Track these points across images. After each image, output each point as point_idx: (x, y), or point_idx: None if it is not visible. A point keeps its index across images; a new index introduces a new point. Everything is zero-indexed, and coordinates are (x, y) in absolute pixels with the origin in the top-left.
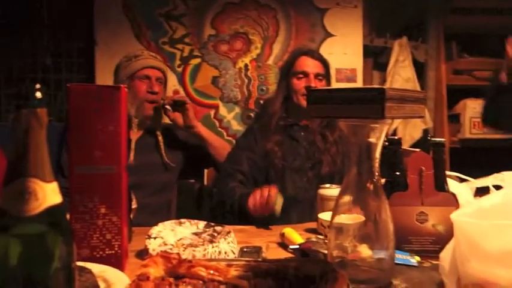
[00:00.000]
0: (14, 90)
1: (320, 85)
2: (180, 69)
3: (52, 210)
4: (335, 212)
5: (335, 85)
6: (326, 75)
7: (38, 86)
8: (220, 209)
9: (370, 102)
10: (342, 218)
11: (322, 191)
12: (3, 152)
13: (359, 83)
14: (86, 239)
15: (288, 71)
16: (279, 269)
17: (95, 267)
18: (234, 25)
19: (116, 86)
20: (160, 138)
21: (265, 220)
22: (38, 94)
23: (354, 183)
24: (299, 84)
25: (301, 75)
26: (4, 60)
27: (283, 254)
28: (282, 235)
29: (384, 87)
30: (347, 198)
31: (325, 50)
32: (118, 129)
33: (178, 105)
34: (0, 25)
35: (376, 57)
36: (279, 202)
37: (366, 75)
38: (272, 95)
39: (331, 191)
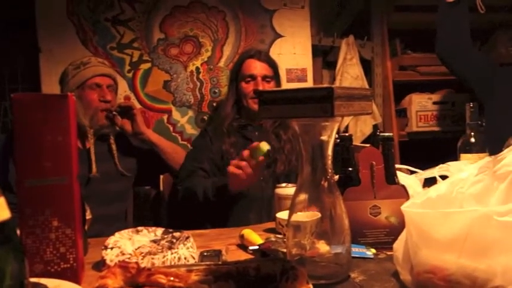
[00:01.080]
0: None
1: (268, 87)
2: (130, 75)
3: (1, 226)
4: (292, 210)
5: (286, 85)
6: (275, 77)
7: None
8: (192, 203)
9: (320, 101)
10: (299, 216)
11: (278, 190)
12: None
13: (309, 82)
14: (39, 253)
15: (236, 74)
16: (240, 271)
17: (50, 282)
18: (184, 28)
19: (63, 95)
20: (113, 146)
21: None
22: None
23: (309, 181)
24: (247, 87)
25: (249, 79)
26: None
27: (243, 256)
28: (241, 236)
29: (333, 86)
30: (303, 196)
31: (275, 51)
32: (67, 139)
33: (125, 112)
34: None
35: (325, 57)
36: (262, 145)
37: (316, 74)
38: (224, 97)
39: (287, 190)
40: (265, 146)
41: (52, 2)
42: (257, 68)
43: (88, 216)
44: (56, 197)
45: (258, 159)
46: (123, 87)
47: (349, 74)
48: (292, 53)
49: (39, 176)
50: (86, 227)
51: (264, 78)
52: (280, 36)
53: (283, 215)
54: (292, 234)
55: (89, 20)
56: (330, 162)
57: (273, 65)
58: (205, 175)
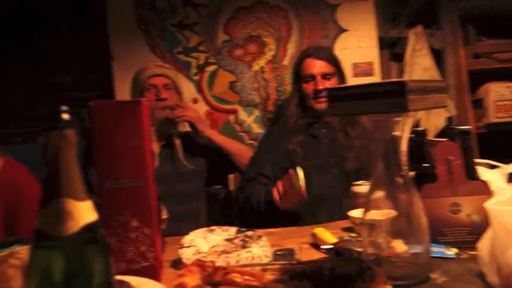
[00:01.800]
0: (40, 113)
1: (329, 84)
2: (197, 78)
3: (88, 228)
4: (366, 208)
5: (352, 81)
6: (337, 73)
7: (64, 107)
8: (247, 213)
9: (393, 96)
10: (374, 214)
11: (355, 188)
12: (33, 173)
13: (376, 76)
14: (121, 252)
15: (297, 75)
16: (314, 270)
17: (133, 280)
18: (247, 29)
19: (137, 100)
20: (178, 146)
21: (293, 207)
22: (65, 115)
23: (383, 178)
24: (308, 88)
25: (308, 79)
26: (25, 80)
27: (316, 255)
28: (313, 235)
29: (405, 79)
30: (377, 194)
31: (339, 46)
32: (142, 143)
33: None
34: (21, 45)
35: (392, 49)
36: (300, 176)
37: (383, 67)
38: (288, 96)
39: (363, 187)
40: (301, 175)
41: (122, 12)
42: (316, 67)
43: (164, 215)
44: (134, 199)
45: (297, 186)
46: (190, 90)
47: (419, 65)
48: (358, 47)
49: (117, 178)
50: (163, 226)
51: (324, 76)
52: (344, 30)
53: (356, 213)
54: (367, 233)
55: (156, 27)
56: (404, 158)
57: (333, 61)
58: (267, 181)
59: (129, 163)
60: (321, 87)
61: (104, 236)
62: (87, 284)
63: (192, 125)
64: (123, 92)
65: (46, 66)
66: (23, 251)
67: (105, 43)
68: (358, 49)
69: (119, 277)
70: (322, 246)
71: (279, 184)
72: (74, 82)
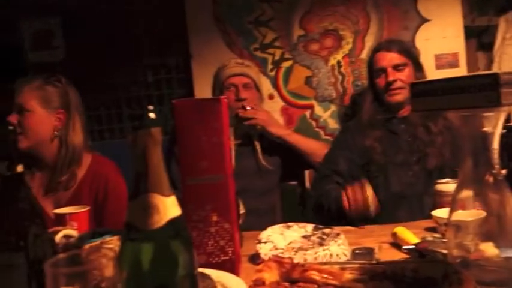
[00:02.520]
0: (124, 111)
1: (401, 75)
2: (272, 73)
3: (173, 222)
4: (453, 208)
5: (435, 73)
6: (412, 63)
7: (151, 107)
8: (319, 212)
9: (484, 90)
10: (461, 215)
11: (439, 187)
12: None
13: (462, 68)
14: (202, 246)
15: (370, 71)
16: (396, 271)
17: (213, 273)
18: (323, 23)
19: (217, 98)
20: (256, 144)
21: (361, 218)
22: (152, 115)
23: (471, 176)
24: (380, 82)
25: (380, 72)
26: (111, 81)
27: (397, 255)
28: (394, 235)
29: (498, 72)
30: (465, 193)
31: (421, 37)
32: (221, 139)
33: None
34: (105, 48)
35: (479, 38)
36: (372, 204)
37: (470, 58)
38: (363, 90)
39: (448, 186)
40: (372, 207)
41: (201, 12)
42: (386, 59)
43: (242, 210)
44: (214, 194)
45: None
46: (266, 86)
47: (509, 54)
48: (442, 37)
49: (198, 174)
50: (240, 221)
51: (395, 67)
52: (426, 20)
53: (441, 213)
54: (454, 235)
55: (233, 25)
56: (496, 155)
57: (405, 52)
58: (340, 179)
59: (209, 159)
60: (391, 78)
61: (187, 230)
62: (172, 275)
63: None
64: (202, 89)
65: (129, 65)
66: (113, 241)
67: (185, 41)
68: (441, 39)
69: (199, 270)
70: (403, 247)
71: (349, 192)
72: (155, 80)
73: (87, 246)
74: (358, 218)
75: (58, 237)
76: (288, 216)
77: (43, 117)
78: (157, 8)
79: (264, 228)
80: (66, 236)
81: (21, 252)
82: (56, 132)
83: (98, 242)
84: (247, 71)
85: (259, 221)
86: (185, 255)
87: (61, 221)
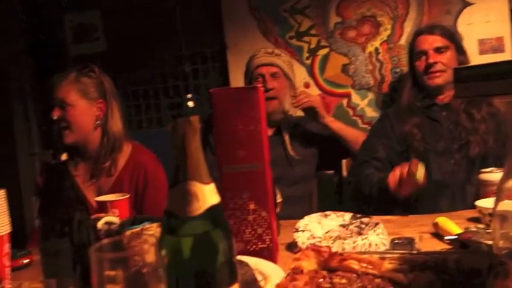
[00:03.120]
0: (162, 101)
1: (443, 58)
2: (308, 62)
3: (212, 210)
4: (498, 198)
5: (478, 58)
6: (455, 46)
7: (189, 95)
8: (358, 199)
9: None
10: (507, 205)
11: (483, 176)
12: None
13: (507, 53)
14: (239, 234)
15: (410, 55)
16: (439, 262)
17: (250, 261)
18: (360, 9)
19: (253, 87)
20: (285, 135)
21: (409, 197)
22: (190, 103)
23: None
24: (420, 65)
25: (421, 55)
26: (150, 72)
27: (439, 246)
28: (436, 225)
29: None
30: (511, 182)
31: (463, 21)
32: (258, 128)
33: (308, 110)
34: (144, 40)
35: None
36: (420, 171)
37: None
38: (401, 77)
39: (494, 175)
40: (421, 173)
41: (236, 1)
42: (427, 41)
43: (279, 199)
44: (252, 182)
45: (416, 176)
46: (302, 74)
47: None
48: (485, 22)
49: (235, 162)
50: (278, 210)
51: (437, 50)
52: (469, 4)
53: (485, 203)
54: (499, 225)
55: (269, 13)
56: None
57: (447, 35)
58: (379, 165)
59: (247, 148)
60: (432, 60)
61: (225, 218)
62: (212, 262)
63: (313, 111)
64: (237, 78)
65: (166, 56)
66: (153, 228)
67: (221, 31)
68: (485, 24)
69: (237, 257)
70: (445, 237)
71: (396, 171)
72: (192, 70)
73: (128, 232)
74: (405, 195)
75: (100, 224)
76: (325, 205)
77: (85, 109)
78: None
79: (301, 217)
80: (108, 223)
81: (66, 238)
82: (98, 122)
83: (138, 228)
84: (275, 60)
85: (294, 209)
86: (224, 243)
87: (103, 208)
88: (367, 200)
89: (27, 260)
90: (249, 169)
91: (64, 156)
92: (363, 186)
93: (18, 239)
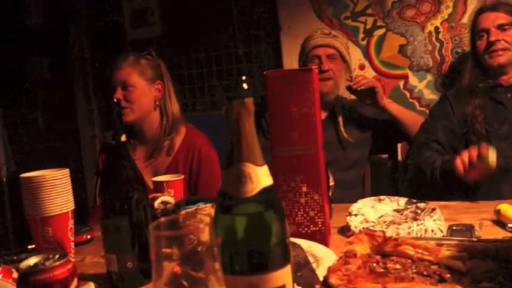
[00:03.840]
0: (215, 84)
1: (507, 36)
2: (364, 43)
3: (266, 191)
4: None
5: None
6: None
7: (244, 77)
8: (419, 180)
9: None
10: None
11: None
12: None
13: None
14: (292, 216)
15: (472, 34)
16: (500, 250)
17: (303, 243)
18: None
19: (308, 69)
20: (339, 117)
21: (479, 181)
22: (245, 85)
23: None
24: (481, 44)
25: (482, 34)
26: (204, 55)
27: (500, 233)
28: (498, 212)
29: None
30: None
31: None
32: (312, 110)
33: (368, 91)
34: (198, 23)
35: None
36: (492, 155)
37: None
38: (464, 56)
39: None
40: (493, 159)
41: None
42: (489, 19)
43: (331, 182)
44: (304, 165)
45: (488, 161)
46: (357, 56)
47: None
48: None
49: (288, 145)
50: (330, 193)
51: (500, 27)
52: None
53: None
54: None
55: None
56: None
57: (510, 10)
58: (440, 148)
59: (300, 130)
60: (493, 38)
61: (279, 200)
62: (265, 243)
63: (371, 92)
64: (291, 61)
65: (221, 39)
66: (207, 208)
67: (275, 13)
68: None
69: (289, 239)
70: (508, 225)
71: (464, 154)
72: (245, 53)
73: (183, 212)
74: (476, 179)
75: (157, 203)
76: (379, 190)
77: (145, 89)
78: None
79: (354, 201)
80: (164, 202)
81: (125, 216)
82: (157, 102)
83: (193, 208)
84: (333, 41)
85: (347, 194)
86: (277, 224)
87: (159, 188)
88: (430, 183)
89: (89, 236)
90: (302, 152)
91: (123, 138)
92: (424, 169)
93: (81, 216)
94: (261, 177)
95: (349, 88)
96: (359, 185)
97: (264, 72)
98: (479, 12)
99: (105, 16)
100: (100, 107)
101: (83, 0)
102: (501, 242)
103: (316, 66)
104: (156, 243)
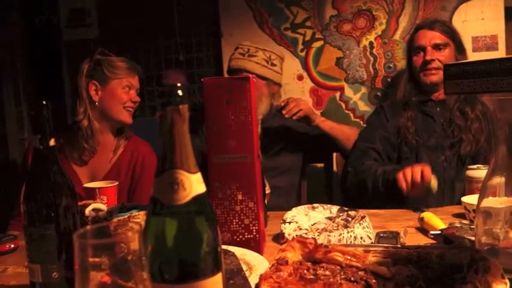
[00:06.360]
0: (158, 89)
1: (440, 55)
2: (303, 54)
3: (198, 199)
4: (482, 194)
5: (472, 56)
6: (453, 44)
7: (179, 84)
8: (360, 189)
9: None
10: (491, 202)
11: (470, 172)
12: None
13: (501, 51)
14: (227, 224)
15: (409, 49)
16: (421, 256)
17: (237, 251)
18: (357, 2)
19: (245, 77)
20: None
21: (419, 199)
22: (179, 91)
23: (504, 163)
24: (417, 60)
25: (418, 51)
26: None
27: (423, 240)
28: (421, 220)
29: None
30: (496, 179)
31: (458, 18)
32: (249, 119)
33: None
34: (137, 27)
35: None
36: (433, 182)
37: (510, 41)
38: (398, 71)
39: (480, 172)
40: (434, 186)
41: None
42: (426, 37)
43: (267, 190)
44: (240, 173)
45: (427, 190)
46: (296, 66)
47: None
48: (480, 19)
49: (225, 152)
50: (266, 201)
51: (435, 47)
52: (464, 0)
53: (470, 199)
54: (482, 221)
55: (264, 4)
56: None
57: (448, 32)
58: (377, 156)
59: (237, 139)
60: (429, 57)
61: (211, 208)
62: (196, 251)
63: (305, 118)
64: None
65: (161, 44)
66: (140, 216)
67: (216, 20)
68: (480, 21)
69: (223, 247)
70: (430, 232)
71: (408, 172)
72: (186, 59)
73: (115, 219)
74: (416, 197)
75: (88, 211)
76: (313, 197)
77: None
78: None
79: (289, 209)
80: (96, 210)
81: (51, 224)
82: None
83: (125, 216)
84: (247, 64)
85: (283, 200)
86: (209, 232)
87: (91, 194)
88: (371, 192)
89: (12, 245)
90: (239, 160)
91: (52, 142)
92: (365, 177)
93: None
94: (194, 184)
95: (280, 112)
96: (293, 192)
97: (202, 80)
98: (418, 28)
99: (39, 14)
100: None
101: None
102: (423, 248)
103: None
104: (81, 252)
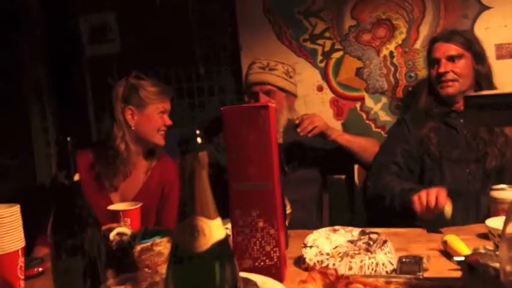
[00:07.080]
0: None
1: (455, 66)
2: (322, 65)
3: (218, 245)
4: (508, 219)
5: (496, 63)
6: (472, 55)
7: (198, 131)
8: (377, 204)
9: None
10: None
11: (494, 193)
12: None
13: None
14: (248, 251)
15: (428, 61)
16: None
17: (258, 279)
18: (376, 12)
19: (264, 105)
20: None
21: (432, 223)
22: (199, 139)
23: None
24: (433, 72)
25: (434, 63)
26: (163, 73)
27: (446, 265)
28: (444, 243)
29: None
30: None
31: (480, 26)
32: (269, 146)
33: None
34: (158, 41)
35: None
36: (448, 209)
37: None
38: (419, 81)
39: (505, 193)
40: (448, 212)
41: (250, 3)
42: (441, 49)
43: (288, 210)
44: (261, 200)
45: (441, 215)
46: (316, 77)
47: None
48: (503, 26)
49: (245, 180)
50: (287, 222)
51: (450, 58)
52: (487, 8)
53: (494, 222)
54: (507, 248)
55: (283, 15)
56: None
57: (464, 42)
58: (398, 170)
59: (257, 166)
60: (442, 70)
61: (231, 251)
62: None
63: (320, 134)
64: None
65: (181, 58)
66: (162, 243)
67: (235, 33)
68: (503, 28)
69: (244, 274)
70: (453, 258)
71: (423, 196)
72: (206, 72)
73: (138, 247)
74: (428, 221)
75: (112, 235)
76: (335, 210)
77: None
78: (207, 0)
79: (311, 224)
80: (120, 234)
81: (77, 256)
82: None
83: (148, 243)
84: (267, 77)
85: (299, 212)
86: (228, 273)
87: (115, 217)
88: (387, 209)
89: (40, 269)
90: (259, 187)
91: (77, 177)
92: (383, 193)
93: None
94: (213, 230)
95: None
96: (313, 205)
97: (221, 108)
98: (434, 41)
99: (62, 31)
100: (56, 124)
101: (37, 15)
102: (445, 280)
103: (270, 102)
104: None
